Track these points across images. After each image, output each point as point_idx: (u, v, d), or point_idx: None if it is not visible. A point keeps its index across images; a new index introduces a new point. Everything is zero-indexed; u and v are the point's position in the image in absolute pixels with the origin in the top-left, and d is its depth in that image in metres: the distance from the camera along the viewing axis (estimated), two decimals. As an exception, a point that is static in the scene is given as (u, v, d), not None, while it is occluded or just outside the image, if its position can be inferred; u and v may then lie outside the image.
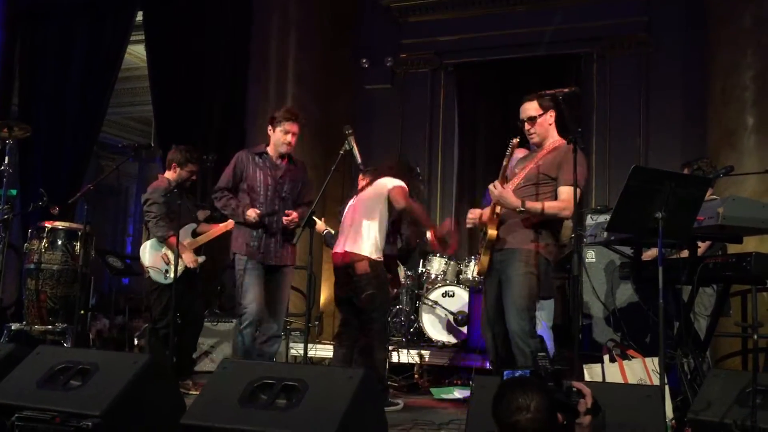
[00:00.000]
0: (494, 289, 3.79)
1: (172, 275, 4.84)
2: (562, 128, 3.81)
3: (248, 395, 2.74)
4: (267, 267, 4.48)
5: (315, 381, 2.73)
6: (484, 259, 3.78)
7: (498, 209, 3.73)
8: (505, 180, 3.72)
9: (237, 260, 4.48)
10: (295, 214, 4.43)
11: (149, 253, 4.96)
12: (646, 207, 3.23)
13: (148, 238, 5.03)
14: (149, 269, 4.93)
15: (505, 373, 2.46)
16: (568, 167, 3.58)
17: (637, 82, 7.63)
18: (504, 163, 3.73)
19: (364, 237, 4.44)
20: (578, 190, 3.57)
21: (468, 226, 4.10)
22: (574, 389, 2.38)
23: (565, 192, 3.63)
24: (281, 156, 4.53)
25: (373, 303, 4.41)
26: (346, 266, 4.45)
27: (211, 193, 6.31)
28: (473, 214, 4.00)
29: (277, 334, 4.55)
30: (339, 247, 4.55)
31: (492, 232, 3.72)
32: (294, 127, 4.46)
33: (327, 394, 2.65)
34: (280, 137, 4.46)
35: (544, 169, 3.73)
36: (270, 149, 4.55)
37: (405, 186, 4.53)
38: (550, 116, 3.80)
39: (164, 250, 4.96)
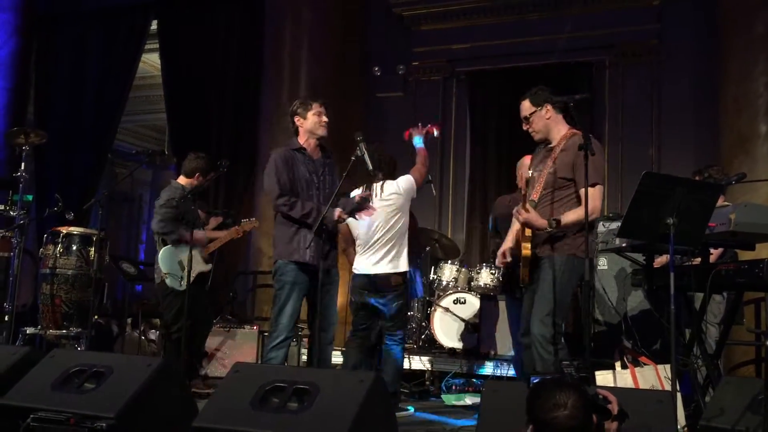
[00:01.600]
0: (531, 297, 3.77)
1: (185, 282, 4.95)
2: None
3: (260, 399, 2.75)
4: (313, 273, 4.07)
5: (326, 384, 2.74)
6: (525, 269, 3.72)
7: (527, 230, 3.67)
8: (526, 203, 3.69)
9: (280, 268, 4.13)
10: (342, 214, 4.11)
11: (167, 260, 5.02)
12: (657, 213, 3.23)
13: (164, 245, 5.08)
14: (166, 275, 4.98)
15: (532, 378, 2.47)
16: (583, 168, 3.51)
17: (649, 90, 7.62)
18: (520, 186, 3.73)
19: (397, 253, 4.44)
20: (601, 188, 3.57)
21: (500, 265, 4.15)
22: (601, 396, 2.38)
23: (589, 195, 3.51)
24: (318, 145, 4.29)
25: (401, 313, 4.48)
26: (376, 280, 4.42)
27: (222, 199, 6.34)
28: (502, 258, 4.00)
29: (331, 340, 4.22)
30: (368, 268, 4.44)
31: (527, 252, 3.66)
32: (323, 108, 4.27)
33: (338, 398, 2.67)
34: (316, 120, 4.22)
35: (561, 173, 3.68)
36: (304, 143, 4.28)
37: (409, 176, 4.55)
38: (547, 111, 3.74)
39: (181, 255, 4.99)
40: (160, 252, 5.05)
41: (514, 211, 3.68)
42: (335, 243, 4.24)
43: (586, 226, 3.51)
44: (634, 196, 3.30)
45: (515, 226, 3.91)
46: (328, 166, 4.31)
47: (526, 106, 3.80)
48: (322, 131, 4.26)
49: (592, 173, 3.51)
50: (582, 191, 3.56)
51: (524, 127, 3.84)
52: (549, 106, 3.75)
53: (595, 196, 3.55)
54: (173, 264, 5.00)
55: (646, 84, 7.64)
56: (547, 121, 3.76)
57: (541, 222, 3.58)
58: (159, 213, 5.01)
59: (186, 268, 4.60)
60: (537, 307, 3.64)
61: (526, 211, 3.58)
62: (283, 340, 4.05)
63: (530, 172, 3.77)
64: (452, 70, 8.55)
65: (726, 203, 4.33)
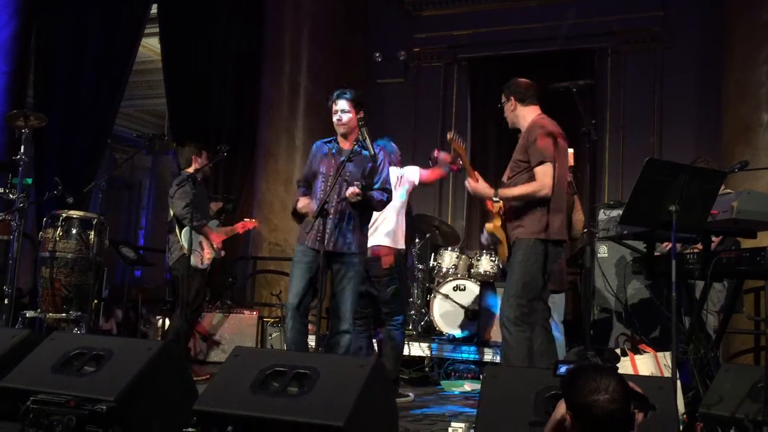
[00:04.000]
0: None
1: (206, 261, 5.31)
2: (576, 121, 3.81)
3: (260, 382, 2.75)
4: (328, 256, 3.97)
5: (326, 369, 2.74)
6: (502, 249, 3.87)
7: (489, 204, 3.83)
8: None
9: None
10: (355, 190, 3.89)
11: (188, 238, 5.06)
12: (660, 200, 3.22)
13: (180, 227, 5.19)
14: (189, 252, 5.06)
15: (559, 366, 2.44)
16: (533, 147, 3.68)
17: (651, 77, 7.60)
18: (464, 161, 3.91)
19: (392, 228, 4.53)
20: (550, 165, 3.65)
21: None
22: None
23: (539, 172, 3.67)
24: (349, 141, 4.13)
25: (397, 296, 4.50)
26: (371, 260, 4.45)
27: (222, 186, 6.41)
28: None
29: (343, 330, 3.97)
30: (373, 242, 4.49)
31: (488, 225, 3.86)
32: (339, 104, 4.10)
33: (338, 382, 2.67)
34: (333, 119, 4.15)
35: (517, 156, 3.81)
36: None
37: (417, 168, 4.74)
38: (512, 104, 3.92)
39: (201, 237, 5.24)
40: (184, 231, 5.12)
41: (465, 182, 3.86)
42: (346, 226, 4.04)
43: (587, 214, 3.54)
44: (636, 182, 3.29)
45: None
46: (357, 156, 4.06)
47: (503, 95, 4.00)
48: (340, 129, 4.13)
49: (536, 153, 3.67)
50: (534, 170, 3.69)
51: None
52: (513, 99, 3.91)
53: (543, 173, 3.66)
54: (195, 243, 5.12)
55: (649, 71, 7.62)
56: (512, 113, 3.94)
57: (487, 191, 3.78)
58: (181, 198, 5.12)
59: (207, 248, 4.71)
60: (506, 288, 3.77)
61: (475, 180, 3.80)
62: (290, 317, 3.97)
63: (450, 134, 4.04)
64: (453, 57, 8.52)
65: (728, 191, 4.33)
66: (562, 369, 2.40)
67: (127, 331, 7.15)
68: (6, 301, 5.21)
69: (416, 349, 5.78)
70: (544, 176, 3.66)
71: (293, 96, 7.67)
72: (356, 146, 3.98)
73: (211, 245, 5.33)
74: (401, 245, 4.62)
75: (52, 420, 2.70)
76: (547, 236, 3.69)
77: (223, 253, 5.48)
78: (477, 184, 3.80)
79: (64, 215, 5.49)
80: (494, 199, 3.74)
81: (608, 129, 7.63)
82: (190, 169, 5.37)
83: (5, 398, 2.97)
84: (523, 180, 3.75)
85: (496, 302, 5.78)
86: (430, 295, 6.36)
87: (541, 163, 3.66)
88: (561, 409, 2.24)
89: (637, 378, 3.34)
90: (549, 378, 2.60)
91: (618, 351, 3.92)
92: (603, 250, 5.33)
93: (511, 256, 3.78)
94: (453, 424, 3.22)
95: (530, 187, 3.68)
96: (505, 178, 3.87)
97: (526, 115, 3.89)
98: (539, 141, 3.67)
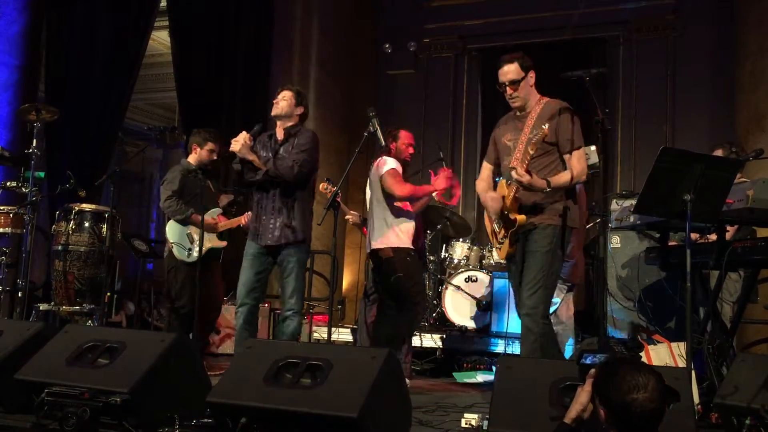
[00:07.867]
0: (521, 269, 3.68)
1: (195, 254, 4.90)
2: (589, 110, 3.77)
3: (273, 374, 2.75)
4: (267, 249, 4.28)
5: (339, 360, 2.73)
6: (506, 242, 3.69)
7: (517, 193, 3.58)
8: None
9: None
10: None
11: (175, 231, 4.99)
12: (674, 189, 3.20)
13: (167, 220, 5.07)
14: (174, 245, 4.94)
15: (585, 355, 2.39)
16: (566, 130, 3.56)
17: (663, 66, 7.54)
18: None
19: (383, 229, 4.59)
20: (583, 150, 3.59)
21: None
22: None
23: (577, 156, 3.57)
24: (282, 129, 4.46)
25: (402, 286, 4.50)
26: (375, 256, 4.64)
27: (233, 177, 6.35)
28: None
29: (287, 313, 4.28)
30: (368, 245, 4.72)
31: (521, 216, 3.58)
32: (279, 93, 4.47)
33: (351, 374, 2.66)
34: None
35: (541, 137, 3.50)
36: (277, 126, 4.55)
37: (395, 167, 4.55)
38: (531, 77, 3.69)
39: (190, 228, 4.99)
40: (168, 223, 5.02)
41: (513, 173, 3.46)
42: (284, 217, 4.24)
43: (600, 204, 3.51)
44: (651, 171, 3.26)
45: (499, 192, 3.74)
46: (285, 146, 4.43)
47: (514, 69, 3.67)
48: (273, 111, 4.48)
49: (572, 137, 3.56)
50: (566, 156, 3.59)
51: (508, 92, 3.71)
52: (533, 73, 3.70)
53: (579, 158, 3.59)
54: (182, 235, 4.97)
55: (661, 60, 7.56)
56: (530, 89, 3.71)
57: (541, 183, 3.48)
58: (163, 192, 5.04)
59: (199, 244, 4.61)
60: (529, 278, 3.55)
61: (528, 173, 3.43)
62: (238, 306, 4.33)
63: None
64: (464, 47, 8.48)
65: (743, 179, 4.28)
66: (588, 359, 2.34)
67: (139, 323, 7.18)
68: (20, 294, 5.25)
69: (428, 340, 5.77)
70: (580, 161, 3.57)
71: (303, 87, 7.61)
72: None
73: (215, 231, 5.10)
74: (398, 242, 4.62)
75: (67, 412, 2.71)
76: (569, 223, 3.60)
77: (223, 244, 5.22)
78: (533, 179, 3.44)
79: (76, 208, 5.51)
80: (546, 189, 3.49)
81: (620, 118, 7.58)
82: (191, 158, 5.18)
83: (20, 390, 2.99)
84: (549, 162, 3.61)
85: (508, 293, 5.76)
86: (442, 286, 6.34)
87: (578, 147, 3.57)
88: (583, 398, 2.20)
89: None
90: (563, 368, 2.59)
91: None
92: (615, 241, 5.30)
93: (532, 243, 3.58)
94: (466, 415, 3.21)
95: (570, 173, 3.55)
96: (515, 162, 3.57)
97: (535, 94, 3.73)
98: (574, 125, 3.56)
